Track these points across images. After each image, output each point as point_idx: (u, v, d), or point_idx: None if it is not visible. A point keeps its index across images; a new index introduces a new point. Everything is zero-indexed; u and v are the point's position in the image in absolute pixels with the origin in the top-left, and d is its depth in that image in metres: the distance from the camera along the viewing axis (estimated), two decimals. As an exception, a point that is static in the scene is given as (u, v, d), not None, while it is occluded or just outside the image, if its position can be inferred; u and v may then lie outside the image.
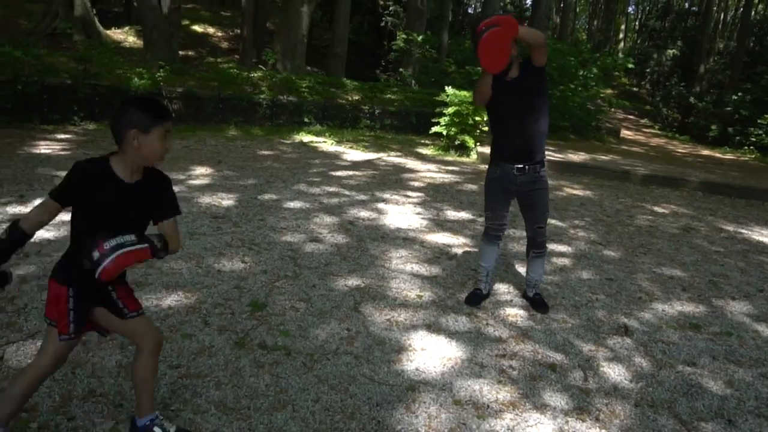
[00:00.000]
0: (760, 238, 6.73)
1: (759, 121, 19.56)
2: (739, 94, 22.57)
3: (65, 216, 2.13)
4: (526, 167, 3.57)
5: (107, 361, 2.74)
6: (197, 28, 21.69)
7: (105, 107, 10.46)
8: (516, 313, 3.81)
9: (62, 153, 7.47)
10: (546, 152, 3.70)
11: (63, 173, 1.92)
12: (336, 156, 10.02)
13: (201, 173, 7.13)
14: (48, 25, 15.12)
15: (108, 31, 17.71)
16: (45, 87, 9.73)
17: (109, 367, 2.69)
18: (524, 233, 3.99)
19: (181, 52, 16.38)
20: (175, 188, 2.16)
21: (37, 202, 5.05)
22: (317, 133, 12.59)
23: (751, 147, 19.77)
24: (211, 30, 22.16)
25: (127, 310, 2.10)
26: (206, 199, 5.88)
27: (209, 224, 5.08)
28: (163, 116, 1.97)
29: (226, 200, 5.94)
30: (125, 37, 18.24)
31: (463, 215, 6.42)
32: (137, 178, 2.02)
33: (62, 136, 8.89)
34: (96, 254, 1.81)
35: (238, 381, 2.69)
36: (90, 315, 2.05)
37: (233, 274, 4.00)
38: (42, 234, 4.18)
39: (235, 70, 14.68)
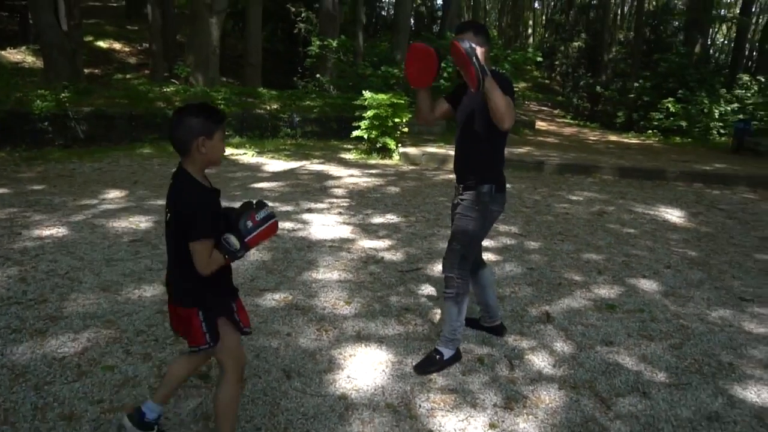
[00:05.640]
0: (667, 217, 7.18)
1: (659, 105, 20.84)
2: (640, 81, 23.94)
3: None
4: (459, 186, 3.20)
5: (20, 404, 2.59)
6: (102, 44, 20.79)
7: (5, 134, 9.84)
8: (443, 311, 3.89)
9: (-41, 185, 6.98)
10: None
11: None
12: (257, 167, 9.88)
13: (115, 196, 6.84)
14: (-66, 49, 14.11)
15: (3, 52, 16.70)
16: (-66, 116, 9.06)
17: (23, 410, 2.55)
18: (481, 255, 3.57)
19: (86, 71, 15.67)
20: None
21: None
22: (237, 145, 12.35)
23: (654, 130, 21.02)
24: (117, 45, 21.29)
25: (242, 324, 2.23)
26: (122, 223, 5.63)
27: (127, 249, 4.88)
28: (221, 119, 2.06)
29: (144, 222, 5.72)
30: (23, 57, 17.24)
31: (389, 218, 6.48)
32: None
33: (-41, 167, 8.31)
34: (249, 223, 2.02)
35: (165, 409, 2.60)
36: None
37: (155, 298, 3.87)
38: None
39: (145, 86, 14.19)
